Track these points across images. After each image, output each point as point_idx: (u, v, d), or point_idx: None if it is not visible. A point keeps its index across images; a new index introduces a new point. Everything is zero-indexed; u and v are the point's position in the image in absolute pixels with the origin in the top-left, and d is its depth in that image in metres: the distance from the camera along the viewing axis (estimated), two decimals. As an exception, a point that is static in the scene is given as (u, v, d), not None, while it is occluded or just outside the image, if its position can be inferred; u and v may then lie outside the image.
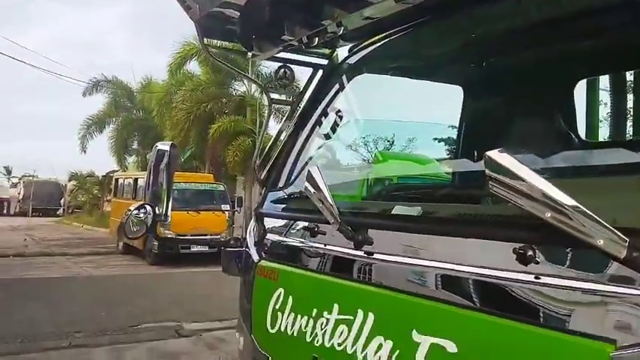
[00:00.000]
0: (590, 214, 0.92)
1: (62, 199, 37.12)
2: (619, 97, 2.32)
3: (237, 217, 14.33)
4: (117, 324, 6.88)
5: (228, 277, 2.28)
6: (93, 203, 28.00)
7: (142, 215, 2.06)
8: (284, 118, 2.29)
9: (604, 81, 2.35)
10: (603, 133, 2.29)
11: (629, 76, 2.35)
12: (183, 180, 13.61)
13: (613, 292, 0.97)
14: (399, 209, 1.55)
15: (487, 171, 1.02)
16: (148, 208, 2.07)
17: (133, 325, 6.89)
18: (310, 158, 2.16)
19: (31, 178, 40.87)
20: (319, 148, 2.24)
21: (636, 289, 0.93)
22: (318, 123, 2.21)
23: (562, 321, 1.03)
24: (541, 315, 1.08)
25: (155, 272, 11.95)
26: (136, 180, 14.43)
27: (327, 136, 2.26)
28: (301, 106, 2.20)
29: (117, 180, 17.27)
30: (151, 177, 2.15)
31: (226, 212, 13.47)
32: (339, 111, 2.22)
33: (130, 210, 2.04)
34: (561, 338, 1.00)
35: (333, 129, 2.26)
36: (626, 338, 0.92)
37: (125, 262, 13.66)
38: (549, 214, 0.95)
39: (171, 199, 2.20)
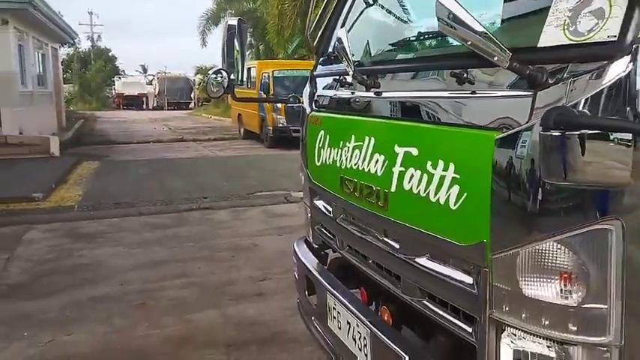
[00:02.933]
0: (492, 36, 1.25)
1: (192, 93, 40.10)
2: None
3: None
4: (236, 192, 8.06)
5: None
6: (218, 96, 29.89)
7: (219, 79, 2.60)
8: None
9: None
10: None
11: None
12: (290, 67, 14.20)
13: (505, 94, 1.32)
14: (399, 57, 1.92)
15: (437, 14, 1.36)
16: (224, 73, 2.59)
17: (249, 193, 8.02)
18: (352, 25, 2.51)
19: (164, 74, 44.42)
20: (359, 15, 2.56)
21: (515, 90, 1.27)
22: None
23: (476, 120, 1.40)
24: (464, 119, 1.46)
25: (270, 153, 13.15)
26: (249, 70, 15.21)
27: (368, 3, 2.56)
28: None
29: (234, 72, 18.38)
30: (226, 49, 2.66)
31: (331, 96, 13.94)
32: None
33: (208, 73, 2.59)
34: (472, 132, 1.39)
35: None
36: (509, 126, 1.28)
37: (245, 145, 15.13)
38: (470, 42, 1.30)
39: (245, 66, 2.71)
